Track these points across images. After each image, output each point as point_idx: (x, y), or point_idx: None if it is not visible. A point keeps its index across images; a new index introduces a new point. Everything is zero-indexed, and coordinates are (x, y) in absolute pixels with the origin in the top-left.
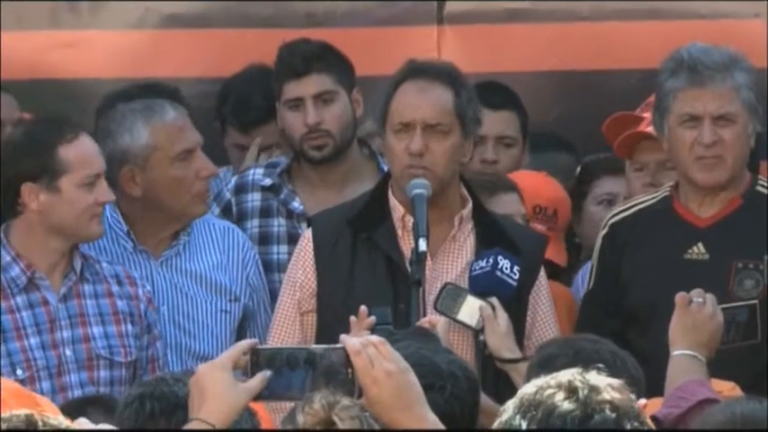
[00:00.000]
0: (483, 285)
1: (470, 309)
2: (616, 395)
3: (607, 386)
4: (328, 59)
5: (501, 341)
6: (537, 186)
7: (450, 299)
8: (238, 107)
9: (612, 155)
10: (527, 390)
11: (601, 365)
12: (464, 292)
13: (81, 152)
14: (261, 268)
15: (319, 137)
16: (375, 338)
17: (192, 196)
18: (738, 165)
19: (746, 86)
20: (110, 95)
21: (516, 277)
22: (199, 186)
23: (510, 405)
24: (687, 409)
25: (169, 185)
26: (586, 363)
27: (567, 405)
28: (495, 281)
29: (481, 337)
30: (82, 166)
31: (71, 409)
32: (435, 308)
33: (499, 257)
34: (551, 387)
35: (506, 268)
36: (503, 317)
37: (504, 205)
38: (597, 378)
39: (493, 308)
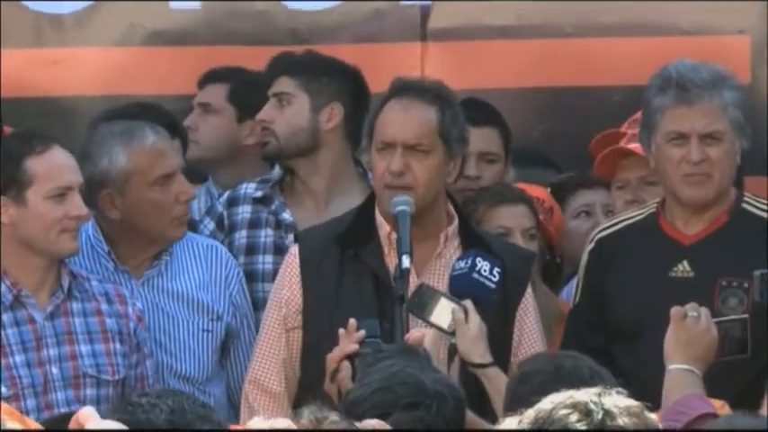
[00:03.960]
0: (460, 287)
1: (443, 311)
2: (631, 421)
3: (623, 411)
4: (303, 64)
5: (471, 345)
6: (538, 190)
7: (422, 300)
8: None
9: (588, 171)
10: (544, 405)
11: (621, 389)
12: (438, 295)
13: (50, 164)
14: (245, 286)
15: (264, 135)
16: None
17: (171, 219)
18: (725, 182)
19: (734, 104)
20: (106, 113)
21: (496, 280)
22: (178, 210)
23: (525, 418)
24: (686, 423)
25: (147, 210)
26: (566, 379)
27: (579, 427)
28: (472, 283)
29: (452, 341)
30: (50, 178)
31: (51, 426)
32: (407, 308)
33: (478, 259)
34: (567, 407)
35: (485, 270)
36: (474, 321)
37: (504, 218)
38: (615, 401)
39: (466, 311)
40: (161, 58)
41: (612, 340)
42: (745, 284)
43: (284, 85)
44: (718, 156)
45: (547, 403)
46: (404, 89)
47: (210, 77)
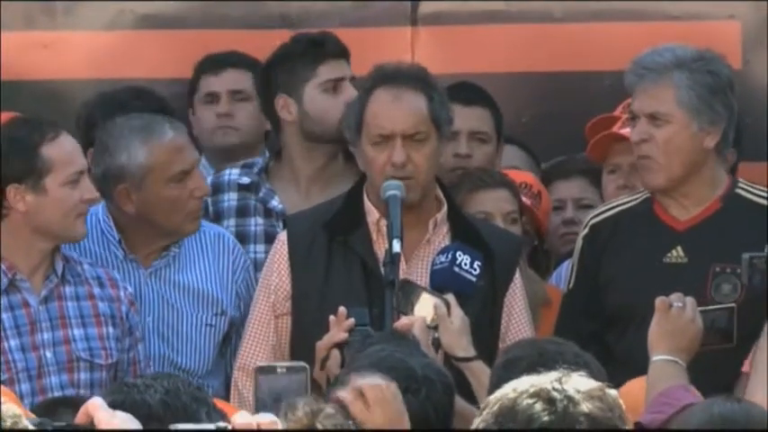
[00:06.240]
0: (441, 281)
1: (425, 306)
2: (594, 405)
3: (585, 395)
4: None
5: (454, 339)
6: (524, 174)
7: (405, 296)
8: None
9: (569, 157)
10: (508, 393)
11: (583, 373)
12: (419, 290)
13: (63, 150)
14: (251, 275)
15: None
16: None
17: (186, 214)
18: (678, 165)
19: (687, 86)
20: (98, 96)
21: (477, 273)
22: (192, 205)
23: (488, 410)
24: (672, 414)
25: (163, 205)
26: (550, 365)
27: (545, 418)
28: (453, 276)
29: (435, 335)
30: (65, 164)
31: (42, 410)
32: (393, 305)
33: (458, 253)
34: (530, 396)
35: (465, 264)
36: (457, 315)
37: (483, 203)
38: (575, 385)
39: (448, 305)
40: (152, 42)
41: (607, 326)
42: (739, 270)
43: (345, 69)
44: (662, 137)
45: (509, 392)
46: (388, 78)
47: (223, 62)
